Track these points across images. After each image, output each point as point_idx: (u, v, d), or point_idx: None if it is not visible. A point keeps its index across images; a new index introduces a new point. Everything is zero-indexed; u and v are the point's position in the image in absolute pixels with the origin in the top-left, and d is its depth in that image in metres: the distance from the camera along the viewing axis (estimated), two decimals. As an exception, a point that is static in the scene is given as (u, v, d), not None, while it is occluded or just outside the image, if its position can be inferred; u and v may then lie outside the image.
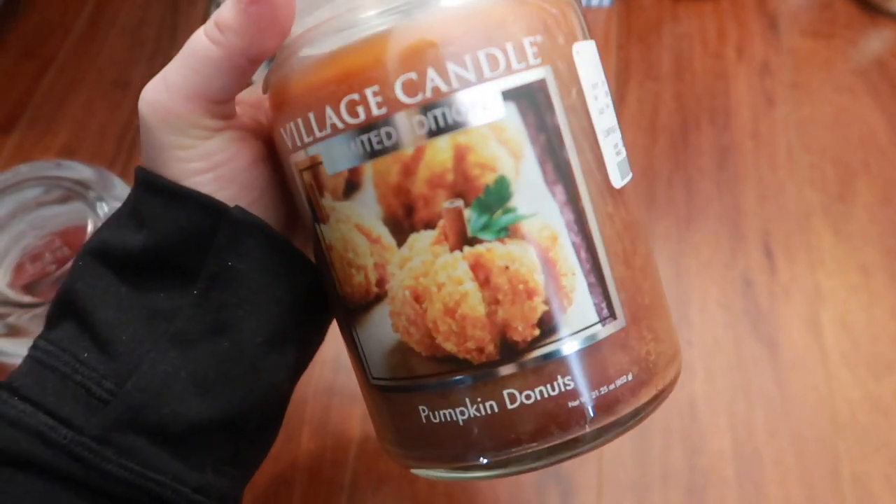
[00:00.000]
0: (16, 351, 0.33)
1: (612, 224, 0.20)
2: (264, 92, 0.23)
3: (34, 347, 0.22)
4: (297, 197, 0.22)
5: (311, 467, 0.38)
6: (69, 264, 0.32)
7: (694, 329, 0.42)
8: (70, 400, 0.21)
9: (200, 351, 0.22)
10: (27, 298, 0.33)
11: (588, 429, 0.20)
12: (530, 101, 0.19)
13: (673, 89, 0.51)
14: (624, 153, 0.22)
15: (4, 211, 0.35)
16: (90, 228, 0.33)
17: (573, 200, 0.20)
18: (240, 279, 0.22)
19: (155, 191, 0.22)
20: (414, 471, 0.23)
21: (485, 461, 0.20)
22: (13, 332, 0.32)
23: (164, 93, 0.21)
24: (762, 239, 0.45)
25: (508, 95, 0.19)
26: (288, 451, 0.38)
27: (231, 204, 0.22)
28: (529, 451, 0.20)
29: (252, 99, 0.25)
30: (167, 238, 0.22)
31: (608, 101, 0.21)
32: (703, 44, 0.54)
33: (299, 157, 0.21)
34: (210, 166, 0.22)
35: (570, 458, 0.21)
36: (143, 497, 0.21)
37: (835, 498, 0.37)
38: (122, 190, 0.35)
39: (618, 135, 0.22)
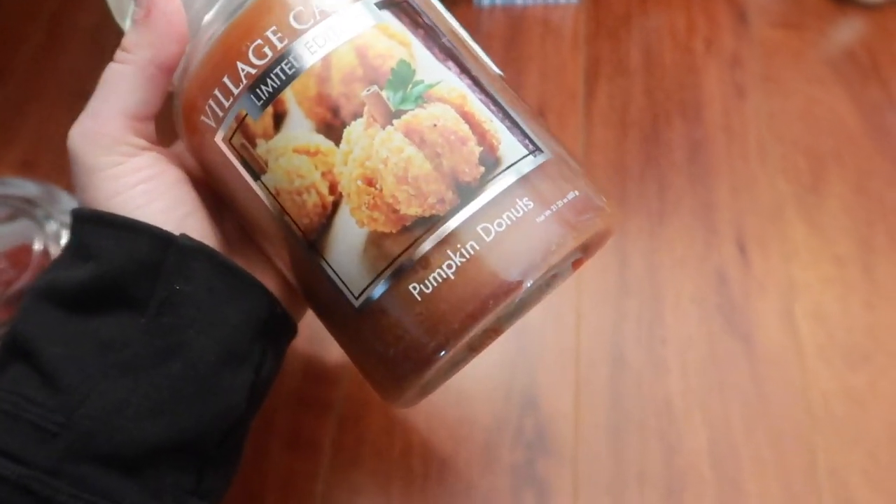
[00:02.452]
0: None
1: (507, 93, 0.24)
2: (178, 129, 0.25)
3: None
4: (232, 183, 0.24)
5: (282, 481, 0.37)
6: (16, 286, 0.32)
7: (668, 326, 0.41)
8: (19, 437, 0.21)
9: (153, 374, 0.22)
10: (-26, 322, 0.32)
11: (562, 241, 0.22)
12: (399, 8, 0.23)
13: (643, 84, 0.51)
14: (489, 57, 0.26)
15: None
16: (37, 247, 0.32)
17: (466, 71, 0.23)
18: (188, 301, 0.22)
19: (103, 224, 0.23)
20: (428, 382, 0.23)
21: (491, 308, 0.21)
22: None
23: (89, 120, 0.24)
24: (735, 233, 0.45)
25: (381, 5, 0.23)
26: (257, 464, 0.38)
27: (167, 216, 0.23)
28: (522, 279, 0.21)
29: (174, 150, 0.27)
30: (116, 269, 0.22)
31: (459, 24, 0.26)
32: (673, 37, 0.53)
33: (225, 129, 0.23)
34: (140, 180, 0.23)
35: (552, 283, 0.23)
36: None
37: (812, 492, 0.36)
38: (68, 203, 0.34)
39: (479, 45, 0.26)
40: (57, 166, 0.47)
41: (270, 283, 0.25)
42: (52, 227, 0.33)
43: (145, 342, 0.22)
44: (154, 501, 0.21)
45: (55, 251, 0.32)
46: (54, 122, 0.50)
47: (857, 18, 0.54)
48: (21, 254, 0.32)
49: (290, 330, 0.27)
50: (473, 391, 0.39)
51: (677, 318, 0.41)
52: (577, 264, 0.24)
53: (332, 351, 0.40)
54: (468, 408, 0.39)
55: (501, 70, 0.25)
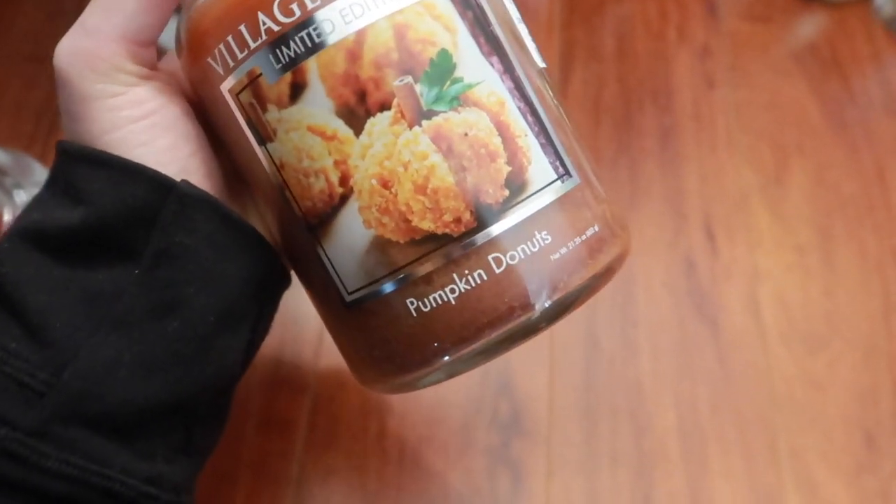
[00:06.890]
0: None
1: (545, 96, 0.22)
2: (178, 49, 0.22)
3: None
4: (232, 134, 0.22)
5: (256, 462, 0.37)
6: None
7: (640, 309, 0.42)
8: (0, 394, 0.19)
9: (147, 331, 0.20)
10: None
11: (571, 280, 0.20)
12: None
13: (616, 71, 0.51)
14: (535, 44, 0.23)
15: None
16: (6, 217, 0.30)
17: (510, 70, 0.21)
18: (188, 255, 0.20)
19: (97, 164, 0.20)
20: (407, 383, 0.22)
21: (486, 337, 0.20)
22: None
23: (84, 38, 0.20)
24: (704, 220, 0.46)
25: None
26: (231, 446, 0.37)
27: (171, 155, 0.21)
28: (524, 316, 0.20)
29: (170, 67, 0.24)
30: (109, 214, 0.20)
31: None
32: (646, 25, 0.54)
33: (234, 80, 0.20)
34: (143, 114, 0.21)
35: (557, 318, 0.21)
36: (89, 493, 0.19)
37: (774, 470, 0.38)
38: (41, 175, 0.32)
39: (526, 27, 0.23)
40: (13, 134, 0.45)
41: (263, 228, 0.24)
42: (21, 197, 0.31)
43: (139, 295, 0.20)
44: (145, 463, 0.20)
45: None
46: (9, 88, 0.47)
47: (820, 14, 0.56)
48: (-10, 222, 0.30)
49: (286, 282, 0.25)
50: (450, 373, 0.39)
51: (649, 302, 0.42)
52: (589, 293, 0.22)
53: (307, 330, 0.40)
54: (444, 390, 0.39)
55: (545, 61, 0.24)
